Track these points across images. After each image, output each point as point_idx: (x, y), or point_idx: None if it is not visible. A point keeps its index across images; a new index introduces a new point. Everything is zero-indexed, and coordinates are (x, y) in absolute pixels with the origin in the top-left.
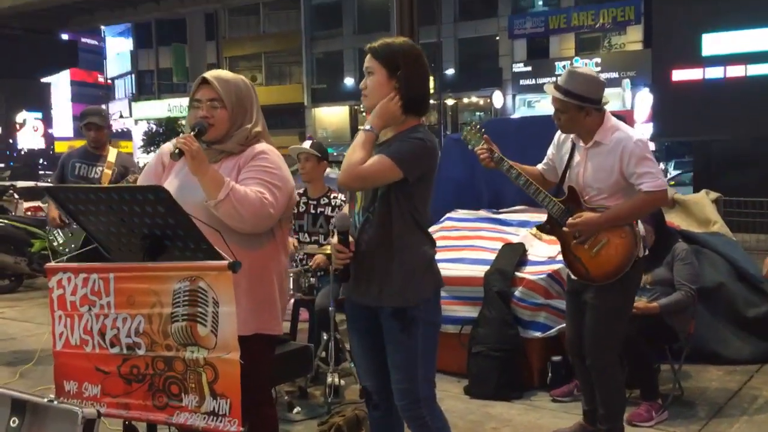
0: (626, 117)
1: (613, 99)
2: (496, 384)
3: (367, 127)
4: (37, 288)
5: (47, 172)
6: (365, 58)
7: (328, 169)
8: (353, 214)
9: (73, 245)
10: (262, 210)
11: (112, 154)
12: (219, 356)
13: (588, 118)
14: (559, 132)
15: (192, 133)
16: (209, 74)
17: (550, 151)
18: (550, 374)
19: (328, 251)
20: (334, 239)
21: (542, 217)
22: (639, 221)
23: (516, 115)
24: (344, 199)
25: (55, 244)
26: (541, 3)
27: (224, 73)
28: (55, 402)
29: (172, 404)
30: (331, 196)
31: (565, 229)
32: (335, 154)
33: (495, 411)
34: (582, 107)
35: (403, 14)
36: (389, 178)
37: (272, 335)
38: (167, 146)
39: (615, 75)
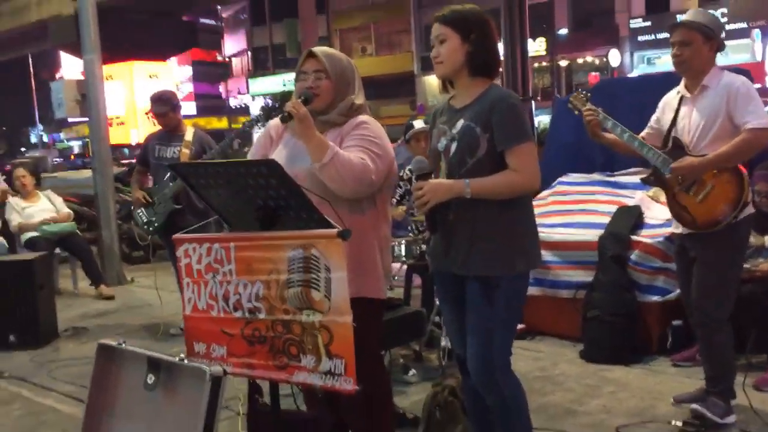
0: (753, 70)
1: (742, 51)
2: (612, 348)
3: (468, 191)
4: (167, 258)
5: None
6: (433, 28)
7: None
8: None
9: (156, 223)
10: (363, 175)
11: (189, 134)
12: (333, 319)
13: (710, 54)
14: (664, 99)
15: (300, 100)
16: (315, 48)
17: (654, 117)
18: (670, 339)
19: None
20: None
21: None
22: (757, 179)
23: (635, 74)
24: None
25: (140, 222)
26: None
27: (328, 48)
28: (186, 361)
29: (291, 364)
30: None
31: (668, 175)
32: None
33: (612, 375)
34: (709, 38)
35: None
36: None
37: (376, 299)
38: (275, 121)
39: (744, 25)
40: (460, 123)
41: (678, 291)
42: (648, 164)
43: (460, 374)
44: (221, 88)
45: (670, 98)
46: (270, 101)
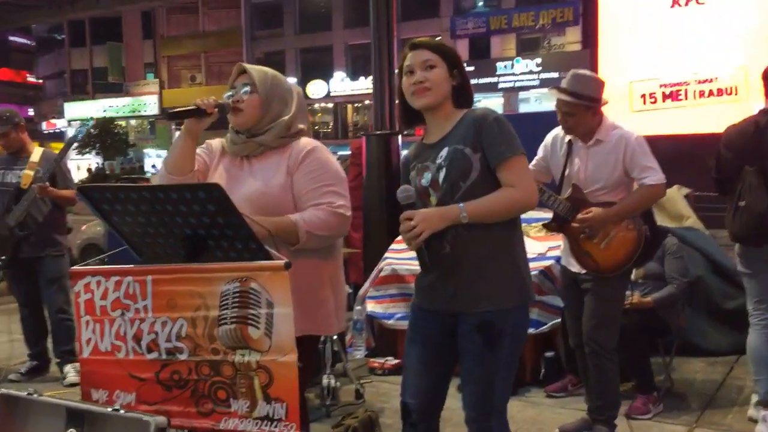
0: None
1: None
2: None
3: (465, 215)
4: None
5: None
6: (410, 54)
7: None
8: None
9: (3, 257)
10: (342, 220)
11: (36, 154)
12: (274, 359)
13: (594, 117)
14: (551, 135)
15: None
16: (246, 64)
17: (540, 153)
18: (543, 370)
19: None
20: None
21: (527, 215)
22: None
23: None
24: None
25: None
26: (482, 4)
27: (264, 67)
28: (121, 411)
29: (218, 410)
30: None
31: (575, 224)
32: None
33: None
34: (590, 107)
35: (380, 11)
36: None
37: (315, 336)
38: (214, 142)
39: (555, 75)
40: (445, 151)
41: (551, 323)
42: None
43: (404, 425)
44: (32, 111)
45: (557, 140)
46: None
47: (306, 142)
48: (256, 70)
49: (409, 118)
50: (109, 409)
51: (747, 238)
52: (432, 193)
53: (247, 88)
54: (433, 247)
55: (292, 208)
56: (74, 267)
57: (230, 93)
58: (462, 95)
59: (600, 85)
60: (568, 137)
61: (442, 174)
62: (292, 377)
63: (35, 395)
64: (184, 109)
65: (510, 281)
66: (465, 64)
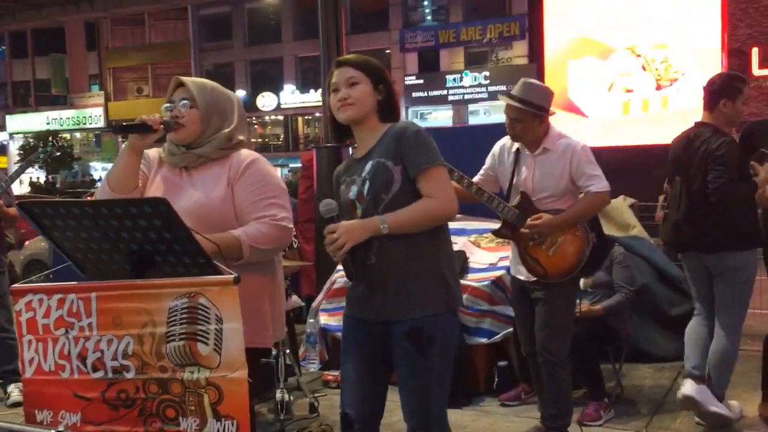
0: None
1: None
2: None
3: (385, 226)
4: None
5: None
6: (336, 72)
7: None
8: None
9: None
10: (284, 233)
11: None
12: (224, 375)
13: (542, 126)
14: (498, 144)
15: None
16: (184, 77)
17: (489, 162)
18: (497, 379)
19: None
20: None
21: (477, 225)
22: None
23: None
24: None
25: None
26: (430, 18)
27: (201, 78)
28: None
29: (167, 429)
30: None
31: (524, 230)
32: None
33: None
34: (538, 115)
35: (329, 24)
36: None
37: (260, 348)
38: (151, 152)
39: (503, 87)
40: (369, 164)
41: (503, 333)
42: (468, 211)
43: None
44: None
45: (505, 148)
46: (32, 140)
47: (246, 153)
48: (194, 83)
49: (339, 133)
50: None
51: (670, 244)
52: (358, 206)
53: (186, 102)
54: (359, 259)
55: (233, 220)
56: (15, 285)
57: (167, 106)
58: (387, 110)
59: (549, 94)
60: (515, 146)
61: (366, 187)
62: (242, 393)
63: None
64: (131, 123)
65: (434, 288)
66: (414, 77)
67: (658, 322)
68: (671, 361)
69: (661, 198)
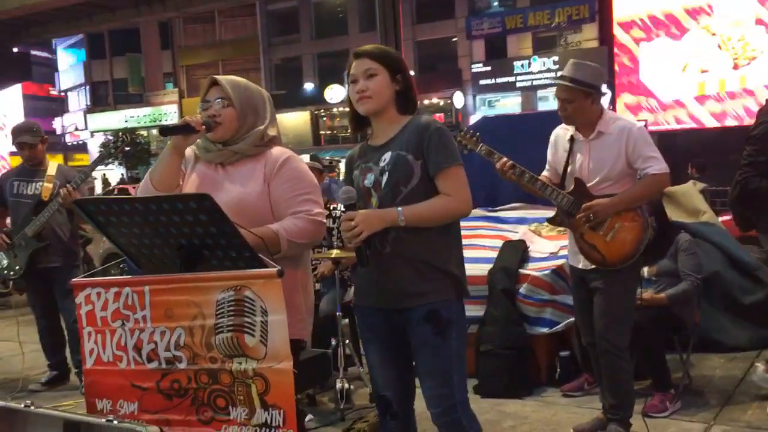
0: None
1: None
2: (506, 382)
3: (402, 219)
4: (11, 306)
5: None
6: (354, 63)
7: (327, 179)
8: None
9: (17, 267)
10: (318, 227)
11: (51, 168)
12: (270, 366)
13: (594, 106)
14: (553, 134)
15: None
16: (219, 76)
17: (549, 155)
18: (559, 370)
19: (334, 255)
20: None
21: (538, 213)
22: None
23: (477, 115)
24: (343, 209)
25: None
26: (497, 4)
27: (234, 77)
28: (115, 422)
29: (218, 418)
30: (331, 207)
31: (579, 216)
32: (327, 158)
33: (509, 409)
34: (589, 94)
35: (386, 14)
36: None
37: (296, 339)
38: (187, 152)
39: None
40: (388, 155)
41: (565, 322)
42: (528, 200)
43: (381, 417)
44: (55, 124)
45: (559, 137)
46: (111, 137)
47: (280, 151)
48: (228, 81)
49: (358, 123)
50: (103, 420)
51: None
52: (374, 194)
53: (221, 101)
54: (374, 247)
55: (269, 214)
56: (75, 279)
57: (203, 105)
58: (406, 100)
59: (599, 74)
60: (569, 134)
61: (384, 177)
62: (288, 384)
63: (32, 407)
64: (176, 124)
65: (444, 278)
66: (481, 65)
67: (729, 311)
68: (744, 350)
69: None
